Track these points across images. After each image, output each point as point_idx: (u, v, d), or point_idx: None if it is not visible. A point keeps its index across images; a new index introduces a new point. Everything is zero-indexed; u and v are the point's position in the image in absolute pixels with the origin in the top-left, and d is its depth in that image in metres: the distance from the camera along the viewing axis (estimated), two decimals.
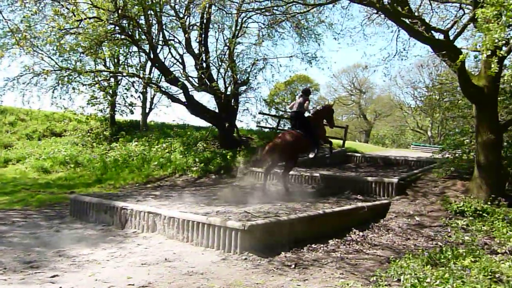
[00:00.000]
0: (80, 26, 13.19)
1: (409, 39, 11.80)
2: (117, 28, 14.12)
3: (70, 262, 5.26)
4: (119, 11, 13.25)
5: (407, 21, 9.08)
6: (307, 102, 9.78)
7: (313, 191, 10.42)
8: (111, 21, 13.55)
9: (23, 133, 20.38)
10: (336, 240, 6.77)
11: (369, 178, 10.49)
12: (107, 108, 18.98)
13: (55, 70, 15.02)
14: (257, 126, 21.15)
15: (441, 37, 9.17)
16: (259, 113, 20.91)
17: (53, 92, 15.39)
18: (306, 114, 10.16)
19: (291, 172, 11.70)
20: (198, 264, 5.38)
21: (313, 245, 6.37)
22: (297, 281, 4.85)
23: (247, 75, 16.29)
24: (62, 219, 8.30)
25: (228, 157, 14.83)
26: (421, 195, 9.62)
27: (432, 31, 9.08)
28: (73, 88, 15.75)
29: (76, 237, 6.71)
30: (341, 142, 19.08)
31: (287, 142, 9.56)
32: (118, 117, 21.26)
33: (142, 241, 6.54)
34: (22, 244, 6.12)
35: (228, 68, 15.56)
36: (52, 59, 15.29)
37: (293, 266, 5.41)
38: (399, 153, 18.08)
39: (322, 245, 6.43)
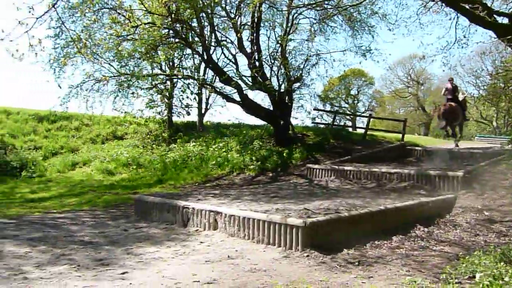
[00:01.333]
0: (136, 32, 13.66)
1: (469, 25, 11.25)
2: (171, 32, 14.49)
3: (138, 260, 5.46)
4: (172, 16, 13.59)
5: (466, 6, 8.67)
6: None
7: (373, 187, 10.20)
8: (165, 26, 13.94)
9: (88, 137, 21.38)
10: (400, 236, 6.59)
11: (432, 172, 10.13)
12: (164, 110, 19.59)
13: (114, 76, 15.65)
14: (312, 122, 21.01)
15: (505, 21, 8.68)
16: (314, 109, 20.82)
17: (114, 98, 16.04)
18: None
19: (349, 168, 11.53)
20: (260, 261, 5.42)
21: (376, 242, 6.23)
22: (362, 278, 4.76)
23: (300, 72, 16.21)
24: (128, 218, 8.63)
25: (284, 154, 14.84)
26: (489, 189, 9.18)
27: (495, 15, 8.61)
28: (132, 93, 16.37)
29: (141, 235, 6.96)
30: (399, 136, 18.56)
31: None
32: (175, 118, 21.85)
33: (204, 239, 6.68)
34: (92, 243, 6.42)
35: (281, 66, 15.56)
36: (111, 65, 15.96)
37: (356, 263, 5.32)
38: (463, 145, 17.31)
39: (385, 242, 6.28)
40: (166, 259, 5.54)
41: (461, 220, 7.64)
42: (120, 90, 15.84)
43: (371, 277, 4.83)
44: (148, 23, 13.45)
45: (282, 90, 15.85)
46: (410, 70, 50.95)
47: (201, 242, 6.46)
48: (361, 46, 16.42)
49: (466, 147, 15.80)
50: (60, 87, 15.44)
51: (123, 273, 4.84)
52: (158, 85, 17.79)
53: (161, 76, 17.94)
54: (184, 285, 4.47)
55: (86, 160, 17.73)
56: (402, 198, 8.51)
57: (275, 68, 16.01)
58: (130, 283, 4.48)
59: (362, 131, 19.63)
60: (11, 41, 6.43)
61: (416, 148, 15.64)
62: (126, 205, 10.57)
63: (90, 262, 5.35)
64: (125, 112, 17.32)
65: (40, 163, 17.50)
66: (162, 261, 5.42)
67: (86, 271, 4.94)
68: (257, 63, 15.09)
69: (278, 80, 15.97)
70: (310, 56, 16.21)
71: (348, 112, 45.95)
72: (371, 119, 21.83)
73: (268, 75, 15.76)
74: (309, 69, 16.64)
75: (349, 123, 40.76)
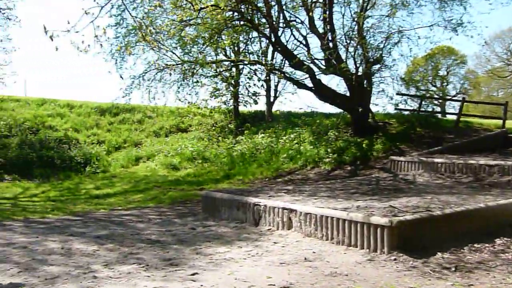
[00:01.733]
0: (199, 16, 13.93)
1: None
2: (235, 14, 14.65)
3: (208, 260, 5.59)
4: None
5: None
6: None
7: (469, 181, 9.74)
8: (230, 7, 14.10)
9: (151, 130, 22.25)
10: (505, 239, 6.24)
11: None
12: (230, 99, 19.87)
13: (177, 64, 16.11)
14: (395, 109, 20.37)
15: None
16: (397, 94, 20.09)
17: (178, 88, 16.52)
18: None
19: (440, 160, 11.10)
20: (341, 265, 5.36)
21: (475, 245, 5.94)
22: (460, 286, 4.56)
23: (380, 52, 15.79)
24: (195, 216, 8.87)
25: (363, 145, 14.57)
26: None
27: None
28: (196, 81, 16.76)
29: (210, 234, 7.12)
30: (499, 122, 17.51)
31: None
32: (241, 108, 22.15)
33: (278, 239, 6.71)
34: (160, 242, 6.66)
35: (358, 46, 15.25)
36: (174, 53, 16.45)
37: (453, 268, 5.10)
38: None
39: (487, 245, 5.97)
40: (238, 260, 5.62)
41: None
42: (184, 79, 16.26)
43: (472, 285, 4.62)
44: (212, 5, 13.66)
45: (359, 73, 15.53)
46: (511, 45, 47.92)
47: (275, 243, 6.49)
48: (451, 20, 15.68)
49: None
50: (122, 78, 16.25)
51: (193, 274, 4.97)
52: (223, 72, 18.08)
53: (226, 63, 18.22)
54: None
55: (150, 155, 18.47)
56: (505, 194, 8.05)
57: (351, 49, 15.72)
58: (201, 285, 4.60)
59: (454, 117, 18.77)
60: (77, 32, 6.77)
61: None
62: (192, 202, 10.88)
63: (159, 261, 5.55)
64: (189, 103, 17.78)
65: (104, 158, 18.47)
66: (234, 262, 5.51)
67: (155, 271, 5.13)
68: (330, 44, 14.87)
69: (355, 63, 15.66)
70: (391, 33, 15.74)
71: (436, 96, 44.20)
72: (464, 104, 20.81)
73: (343, 57, 15.51)
74: (390, 48, 16.17)
75: (438, 109, 39.17)
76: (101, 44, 7.38)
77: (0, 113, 19.93)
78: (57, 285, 4.62)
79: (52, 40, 6.37)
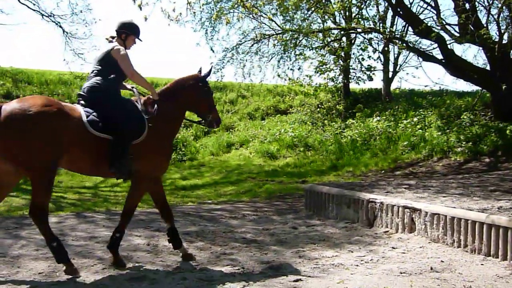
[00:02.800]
0: None
1: None
2: None
3: (313, 265, 5.67)
4: None
5: None
6: None
7: None
8: None
9: (245, 112, 22.75)
10: None
11: None
12: (339, 75, 19.77)
13: (277, 34, 16.28)
14: None
15: None
16: None
17: (278, 62, 16.71)
18: None
19: None
20: (477, 278, 5.19)
21: None
22: None
23: None
24: (296, 213, 9.00)
25: (507, 132, 13.88)
26: None
27: None
28: (299, 54, 16.84)
29: (315, 235, 7.20)
30: None
31: None
32: (353, 86, 21.95)
33: (397, 243, 6.63)
34: (257, 242, 6.86)
35: (504, 7, 14.47)
36: (273, 21, 16.62)
37: None
38: None
39: None
40: (349, 266, 5.64)
41: None
42: (284, 51, 16.42)
43: None
44: None
45: (504, 41, 14.75)
46: None
47: (393, 248, 6.42)
48: None
49: None
50: (213, 51, 16.72)
51: (296, 281, 5.07)
52: (331, 43, 17.99)
53: (335, 31, 18.11)
54: None
55: (244, 141, 18.92)
56: None
57: (494, 11, 15.01)
58: None
59: None
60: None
61: None
62: (293, 196, 11.02)
63: (256, 264, 5.73)
64: (290, 79, 17.95)
65: (191, 144, 19.21)
66: (344, 269, 5.54)
67: (251, 274, 5.30)
68: (467, 5, 14.26)
69: (499, 28, 14.96)
70: None
71: None
72: None
73: (483, 21, 14.83)
74: None
75: None
76: (194, 12, 7.67)
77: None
78: (144, 285, 4.94)
79: (140, 9, 6.72)
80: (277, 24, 16.58)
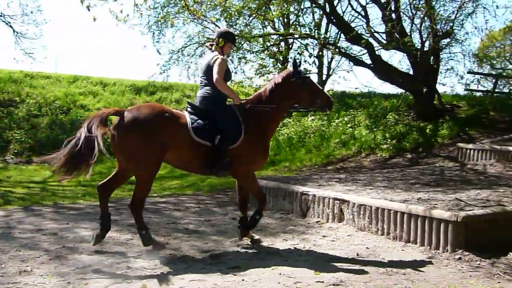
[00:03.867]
0: None
1: None
2: None
3: (250, 253, 5.70)
4: None
5: None
6: None
7: None
8: None
9: None
10: None
11: None
12: None
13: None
14: (465, 89, 19.88)
15: None
16: (468, 72, 19.58)
17: None
18: None
19: None
20: (398, 262, 5.36)
21: None
22: None
23: (451, 24, 15.39)
24: (236, 205, 8.98)
25: (427, 131, 14.33)
26: None
27: None
28: (240, 58, 16.82)
29: None
30: None
31: None
32: None
33: (327, 232, 6.76)
34: (198, 232, 6.84)
35: (425, 17, 14.90)
36: (217, 25, 16.53)
37: None
38: None
39: None
40: (283, 254, 5.71)
41: None
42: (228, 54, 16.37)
43: None
44: None
45: (426, 49, 15.20)
46: None
47: (324, 236, 6.54)
48: None
49: None
50: (160, 53, 16.48)
51: (234, 268, 5.09)
52: (271, 47, 18.05)
53: (275, 36, 18.17)
54: (305, 285, 4.59)
55: None
56: None
57: (417, 21, 15.41)
58: (243, 279, 4.70)
59: None
60: (115, 0, 6.94)
61: None
62: (233, 190, 10.97)
63: (197, 253, 5.71)
64: (232, 81, 17.89)
65: None
66: (278, 256, 5.60)
67: (192, 263, 5.29)
68: (393, 15, 14.59)
69: (421, 36, 15.35)
70: (464, 2, 15.25)
71: None
72: None
73: (407, 30, 15.23)
74: (462, 20, 15.77)
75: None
76: (141, 13, 7.53)
77: (29, 90, 20.59)
78: (89, 274, 4.84)
79: (89, 10, 6.56)
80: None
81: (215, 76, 5.76)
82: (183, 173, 13.81)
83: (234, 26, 15.74)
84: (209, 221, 7.58)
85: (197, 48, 16.41)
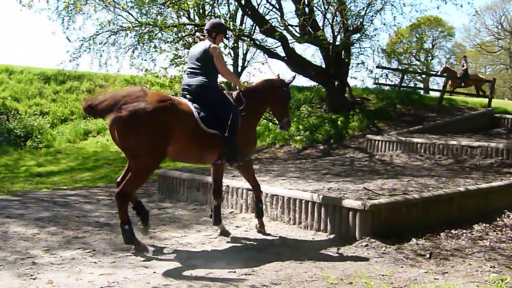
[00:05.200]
0: None
1: None
2: None
3: (163, 245, 5.62)
4: None
5: None
6: None
7: (450, 163, 10.01)
8: None
9: None
10: (484, 225, 6.49)
11: None
12: None
13: (134, 27, 15.81)
14: (374, 83, 20.64)
15: None
16: (377, 67, 20.36)
17: (132, 52, 16.24)
18: None
19: (420, 140, 11.37)
20: (309, 251, 5.48)
21: (452, 231, 6.17)
22: (434, 274, 4.73)
23: (361, 20, 15.89)
24: (150, 197, 8.85)
25: (338, 123, 14.75)
26: None
27: None
28: (155, 47, 16.50)
29: (166, 217, 7.15)
30: (485, 101, 17.99)
31: None
32: None
33: (241, 222, 6.79)
34: (109, 225, 6.65)
35: (337, 12, 15.30)
36: (130, 13, 16.13)
37: (427, 255, 5.28)
38: None
39: (464, 231, 6.21)
40: (196, 245, 5.68)
41: None
42: (140, 43, 16.02)
43: (446, 273, 4.80)
44: None
45: (337, 43, 15.62)
46: (502, 17, 48.89)
47: (237, 227, 6.57)
48: None
49: None
50: (69, 40, 15.82)
51: (145, 260, 5.00)
52: (186, 37, 17.86)
53: (189, 27, 17.97)
54: (217, 275, 4.58)
55: (101, 128, 18.21)
56: (487, 178, 8.32)
57: (329, 16, 15.78)
58: (154, 272, 4.63)
59: (438, 94, 19.14)
60: None
61: (507, 116, 15.19)
62: (147, 181, 10.81)
63: (107, 246, 5.55)
64: (146, 70, 17.53)
65: (48, 131, 18.12)
66: (191, 248, 5.56)
67: (102, 256, 5.13)
68: (306, 10, 14.88)
69: (332, 31, 15.75)
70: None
71: (420, 71, 44.86)
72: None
73: (320, 24, 15.54)
74: (372, 16, 16.29)
75: (421, 85, 39.84)
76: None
77: None
78: None
79: None
80: (133, 17, 16.12)
81: (222, 68, 5.88)
82: (95, 164, 13.46)
83: (146, 15, 15.45)
84: None
85: (109, 36, 15.92)
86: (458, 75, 22.77)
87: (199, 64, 5.81)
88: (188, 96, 5.78)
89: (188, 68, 5.99)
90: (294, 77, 6.85)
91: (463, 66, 23.59)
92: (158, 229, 6.38)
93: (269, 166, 9.91)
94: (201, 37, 6.17)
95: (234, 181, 7.63)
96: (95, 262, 4.90)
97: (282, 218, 6.73)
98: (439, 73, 24.28)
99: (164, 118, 5.14)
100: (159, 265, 4.83)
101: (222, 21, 6.09)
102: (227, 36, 6.08)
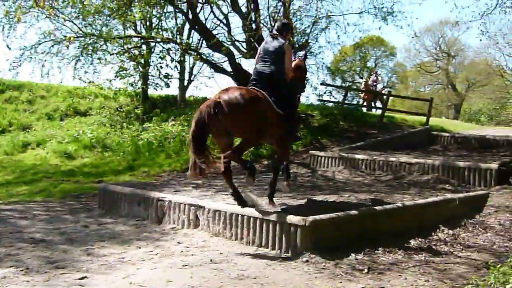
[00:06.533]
0: None
1: None
2: None
3: (101, 263, 5.48)
4: None
5: None
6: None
7: (389, 179, 10.26)
8: None
9: (43, 112, 21.30)
10: (419, 239, 6.65)
11: (461, 164, 10.25)
12: (138, 81, 19.48)
13: (78, 37, 15.52)
14: (318, 100, 20.99)
15: None
16: (321, 84, 20.73)
17: (76, 63, 15.92)
18: None
19: (361, 157, 11.60)
20: (250, 267, 5.45)
21: (390, 246, 6.28)
22: None
23: (306, 37, 16.18)
24: (90, 212, 8.64)
25: None
26: None
27: None
28: (99, 58, 16.28)
29: (106, 233, 6.97)
30: (424, 119, 18.60)
31: None
32: (151, 91, 21.78)
33: (182, 238, 6.70)
34: (45, 241, 6.43)
35: None
36: (74, 23, 15.83)
37: (365, 270, 5.36)
38: (499, 132, 17.42)
39: (401, 246, 6.34)
40: (135, 262, 5.56)
41: (493, 221, 7.71)
42: (84, 54, 15.73)
43: (383, 287, 4.88)
44: None
45: None
46: (440, 39, 50.92)
47: (179, 243, 6.48)
48: (382, 8, 16.38)
49: (503, 134, 15.89)
50: (10, 48, 15.38)
51: (81, 278, 4.86)
52: (132, 50, 17.67)
53: (136, 39, 17.82)
54: None
55: (41, 140, 17.68)
56: (423, 194, 8.57)
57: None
58: None
59: (379, 112, 19.66)
60: None
61: (444, 134, 15.76)
62: (88, 196, 10.58)
63: (42, 264, 5.36)
64: (90, 82, 17.23)
65: None
66: (130, 265, 5.44)
67: (36, 275, 4.95)
68: (253, 26, 15.01)
69: None
70: (319, 18, 16.11)
71: (363, 89, 45.88)
72: (391, 98, 21.88)
73: None
74: (317, 34, 16.64)
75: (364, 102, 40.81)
76: None
77: None
78: None
79: None
80: (78, 27, 15.83)
81: (289, 65, 6.96)
82: (33, 178, 13.03)
83: (91, 25, 15.22)
84: (59, 229, 7.16)
85: (52, 46, 15.55)
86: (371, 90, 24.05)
87: (272, 56, 6.76)
88: (258, 85, 6.67)
89: (261, 59, 6.89)
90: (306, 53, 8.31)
91: (374, 81, 25.53)
92: (96, 246, 6.22)
93: (213, 181, 9.85)
94: (274, 35, 7.01)
95: (176, 196, 7.55)
96: (27, 281, 4.73)
97: (224, 234, 6.69)
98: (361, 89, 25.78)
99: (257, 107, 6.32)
100: (95, 283, 4.71)
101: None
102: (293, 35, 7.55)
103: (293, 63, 7.29)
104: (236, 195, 6.56)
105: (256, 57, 7.10)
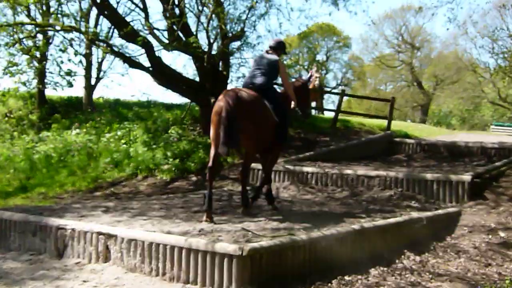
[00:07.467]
0: None
1: None
2: None
3: None
4: None
5: None
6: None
7: (344, 197, 10.41)
8: None
9: None
10: (381, 268, 6.76)
11: (428, 176, 10.50)
12: (33, 79, 18.99)
13: None
14: None
15: None
16: None
17: None
18: None
19: (311, 170, 11.71)
20: None
21: (346, 277, 6.35)
22: None
23: (242, 25, 16.24)
24: None
25: None
26: (507, 199, 9.59)
27: None
28: None
29: None
30: (385, 122, 18.98)
31: None
32: (50, 92, 21.37)
33: (89, 276, 6.54)
34: None
35: (213, 15, 15.50)
36: None
37: None
38: (472, 138, 18.04)
39: (359, 277, 6.41)
40: None
41: (467, 244, 7.94)
42: None
43: None
44: None
45: (213, 52, 15.80)
46: (403, 27, 52.39)
47: (84, 281, 6.32)
48: None
49: (477, 140, 16.37)
50: None
51: None
52: (24, 40, 17.24)
53: (29, 27, 17.40)
54: None
55: None
56: (385, 213, 8.73)
57: (203, 19, 15.93)
58: None
59: (332, 115, 19.94)
60: None
61: (408, 141, 16.11)
62: None
63: None
64: None
65: None
66: None
67: None
68: (177, 11, 14.93)
69: (208, 37, 15.91)
70: (256, 2, 16.23)
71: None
72: (345, 98, 22.25)
73: (193, 29, 15.69)
74: (254, 21, 16.74)
75: (313, 104, 41.34)
76: None
77: None
78: None
79: None
80: None
81: (286, 81, 9.07)
82: None
83: None
84: None
85: None
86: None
87: (266, 68, 8.53)
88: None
89: (255, 68, 8.63)
90: (311, 76, 9.75)
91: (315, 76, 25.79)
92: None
93: (127, 203, 9.72)
94: (271, 51, 8.82)
95: (81, 223, 7.37)
96: None
97: (142, 268, 6.57)
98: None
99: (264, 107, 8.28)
100: None
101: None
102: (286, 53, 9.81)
103: (293, 85, 9.26)
104: (208, 198, 7.81)
105: (251, 70, 8.77)
